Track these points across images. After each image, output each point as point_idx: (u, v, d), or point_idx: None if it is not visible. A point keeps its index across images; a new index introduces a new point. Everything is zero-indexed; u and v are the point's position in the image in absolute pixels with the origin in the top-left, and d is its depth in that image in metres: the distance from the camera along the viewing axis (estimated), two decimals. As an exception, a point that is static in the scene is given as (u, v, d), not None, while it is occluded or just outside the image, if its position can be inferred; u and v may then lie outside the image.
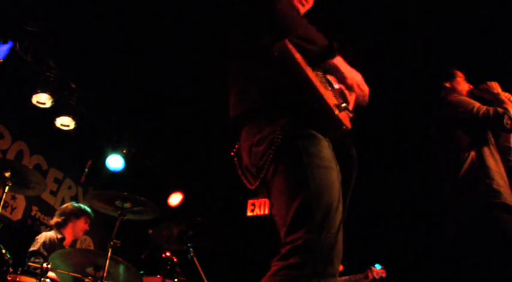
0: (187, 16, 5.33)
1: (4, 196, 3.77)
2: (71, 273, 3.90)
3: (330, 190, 1.74)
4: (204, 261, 4.44)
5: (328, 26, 2.03)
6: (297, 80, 1.81)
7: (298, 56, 1.81)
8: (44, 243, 4.49)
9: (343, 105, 1.88)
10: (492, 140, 3.32)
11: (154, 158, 7.35)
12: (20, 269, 3.70)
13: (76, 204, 4.96)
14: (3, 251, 3.52)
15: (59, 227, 4.80)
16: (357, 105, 2.02)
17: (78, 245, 5.86)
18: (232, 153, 2.07)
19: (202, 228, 4.55)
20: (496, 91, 3.40)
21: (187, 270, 4.57)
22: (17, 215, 5.64)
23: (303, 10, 2.22)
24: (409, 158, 6.55)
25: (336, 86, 1.94)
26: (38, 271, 3.69)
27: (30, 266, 4.11)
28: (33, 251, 4.44)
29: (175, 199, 7.08)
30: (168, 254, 4.53)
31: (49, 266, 3.63)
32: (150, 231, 4.47)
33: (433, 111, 3.59)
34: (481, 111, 3.22)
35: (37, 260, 4.31)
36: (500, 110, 3.20)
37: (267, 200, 2.12)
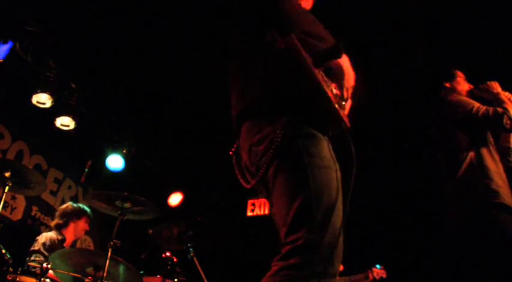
0: (187, 16, 5.33)
1: (4, 196, 3.77)
2: (71, 273, 3.90)
3: (330, 190, 1.74)
4: (204, 261, 4.44)
5: (328, 25, 2.02)
6: (301, 75, 1.80)
7: (304, 52, 1.81)
8: (44, 244, 4.49)
9: (343, 103, 1.88)
10: (491, 140, 3.32)
11: (154, 158, 7.35)
12: (20, 269, 3.70)
13: (75, 205, 4.96)
14: (3, 251, 3.52)
15: (59, 228, 4.79)
16: (357, 105, 2.02)
17: (78, 245, 5.86)
18: (230, 152, 2.07)
19: (202, 228, 4.55)
20: (496, 91, 3.40)
21: (187, 270, 4.57)
22: (17, 215, 5.64)
23: (308, 8, 2.22)
24: (409, 158, 6.55)
25: (333, 85, 1.94)
26: (38, 271, 3.69)
27: (30, 266, 4.12)
28: (33, 250, 4.44)
29: (175, 199, 7.08)
30: (168, 254, 4.53)
31: (49, 266, 3.63)
32: (150, 231, 4.47)
33: (433, 111, 3.59)
34: (481, 111, 3.22)
35: (37, 259, 4.31)
36: (499, 110, 3.20)
37: (267, 200, 2.10)
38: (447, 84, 3.59)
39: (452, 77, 3.62)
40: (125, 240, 3.91)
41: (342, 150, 1.86)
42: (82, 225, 4.90)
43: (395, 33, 5.36)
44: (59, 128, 5.90)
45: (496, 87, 3.43)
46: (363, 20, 5.15)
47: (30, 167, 5.29)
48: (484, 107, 3.25)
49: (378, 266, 5.38)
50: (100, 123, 6.54)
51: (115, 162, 6.43)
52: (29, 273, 3.74)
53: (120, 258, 3.85)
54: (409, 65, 5.64)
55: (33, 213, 5.88)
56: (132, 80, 6.15)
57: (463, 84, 3.59)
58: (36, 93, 5.49)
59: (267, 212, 7.77)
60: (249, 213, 8.05)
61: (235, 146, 2.05)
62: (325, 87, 1.82)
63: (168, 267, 4.48)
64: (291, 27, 1.87)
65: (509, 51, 5.07)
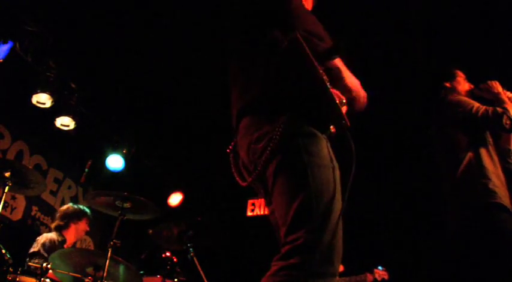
0: (187, 16, 5.33)
1: (4, 196, 3.77)
2: (71, 273, 3.90)
3: (330, 189, 1.73)
4: (204, 261, 4.44)
5: (329, 26, 2.03)
6: (305, 71, 1.80)
7: (307, 49, 1.81)
8: (44, 244, 4.48)
9: (344, 101, 1.89)
10: (491, 140, 3.32)
11: (154, 158, 7.35)
12: (20, 269, 3.70)
13: (76, 206, 4.96)
14: (3, 251, 3.52)
15: (60, 229, 4.79)
16: (353, 109, 2.01)
17: (78, 245, 5.86)
18: (228, 150, 2.06)
19: (202, 228, 4.55)
20: (496, 90, 3.40)
21: (187, 270, 4.57)
22: (17, 215, 5.64)
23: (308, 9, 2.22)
24: (409, 158, 6.55)
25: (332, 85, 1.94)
26: (38, 271, 3.69)
27: (30, 266, 4.11)
28: (33, 252, 4.43)
29: (175, 199, 7.09)
30: (168, 254, 4.53)
31: (49, 266, 3.63)
32: (150, 231, 4.47)
33: (433, 111, 3.59)
34: (480, 111, 3.23)
35: (36, 261, 4.31)
36: (499, 110, 3.20)
37: (263, 199, 2.10)
38: (447, 84, 3.59)
39: (452, 77, 3.62)
40: (124, 240, 3.91)
41: (342, 149, 1.86)
42: (83, 226, 4.90)
43: (395, 33, 5.35)
44: (59, 128, 5.90)
45: (497, 86, 3.42)
46: (363, 20, 5.15)
47: (30, 167, 5.28)
48: (484, 107, 3.25)
49: (379, 267, 5.36)
50: (100, 123, 6.54)
51: (115, 162, 6.43)
52: (29, 273, 3.74)
53: (120, 258, 3.85)
54: (409, 65, 5.64)
55: (33, 213, 5.88)
56: (132, 80, 6.15)
57: (463, 84, 3.59)
58: (36, 93, 5.49)
59: (267, 212, 7.76)
60: (249, 213, 8.05)
61: (232, 143, 2.05)
62: (328, 84, 1.82)
63: (168, 267, 4.48)
64: (295, 26, 1.88)
65: (509, 51, 5.07)
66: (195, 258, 4.37)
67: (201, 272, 4.36)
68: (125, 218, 4.03)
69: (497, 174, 3.16)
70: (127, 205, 3.99)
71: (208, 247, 4.86)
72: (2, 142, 5.61)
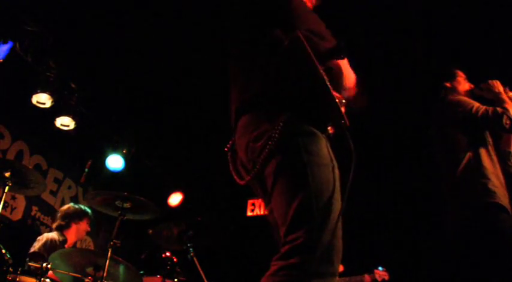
0: (187, 16, 5.33)
1: (4, 196, 3.77)
2: (71, 273, 3.90)
3: (330, 189, 1.73)
4: (204, 261, 4.44)
5: (329, 25, 2.02)
6: (306, 69, 1.80)
7: (309, 48, 1.80)
8: (44, 244, 4.47)
9: (343, 100, 1.89)
10: (490, 140, 3.32)
11: (154, 158, 7.35)
12: (20, 269, 3.69)
13: (77, 206, 4.95)
14: (3, 251, 3.52)
15: (61, 229, 4.78)
16: (352, 107, 2.01)
17: (78, 245, 5.86)
18: (226, 149, 2.06)
19: (202, 228, 4.54)
20: (497, 90, 3.39)
21: (187, 270, 4.57)
22: (17, 215, 5.64)
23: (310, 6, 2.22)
24: (409, 158, 6.55)
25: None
26: (39, 271, 3.68)
27: (30, 266, 4.11)
28: (34, 252, 4.42)
29: (175, 199, 7.08)
30: (168, 254, 4.53)
31: (49, 266, 3.63)
32: (150, 231, 4.47)
33: (433, 111, 3.59)
34: (480, 111, 3.22)
35: (37, 261, 4.30)
36: (499, 110, 3.20)
37: (261, 199, 2.09)
38: (448, 84, 3.58)
39: (452, 77, 3.62)
40: (124, 240, 3.91)
41: (341, 149, 1.86)
42: (84, 226, 4.89)
43: (395, 33, 5.35)
44: (59, 128, 5.90)
45: (498, 86, 3.42)
46: (363, 20, 5.15)
47: (30, 167, 5.28)
48: (484, 107, 3.24)
49: (380, 267, 5.35)
50: (100, 123, 6.54)
51: (115, 162, 6.43)
52: (29, 273, 3.73)
53: (120, 258, 3.85)
54: (409, 65, 5.64)
55: (33, 213, 5.88)
56: (132, 80, 6.15)
57: (463, 84, 3.59)
58: (36, 93, 5.49)
59: (266, 212, 7.76)
60: (249, 213, 8.05)
61: (230, 142, 2.04)
62: (328, 84, 1.82)
63: (168, 267, 4.47)
64: (297, 24, 1.88)
65: (510, 51, 5.07)
66: (195, 258, 4.37)
67: (201, 272, 4.36)
68: (125, 218, 4.03)
69: (496, 174, 3.16)
70: (127, 205, 3.99)
71: (208, 247, 4.86)
72: (2, 142, 5.61)
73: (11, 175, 3.81)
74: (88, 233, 5.47)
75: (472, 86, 3.57)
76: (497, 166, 3.23)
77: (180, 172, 7.48)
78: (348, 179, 1.78)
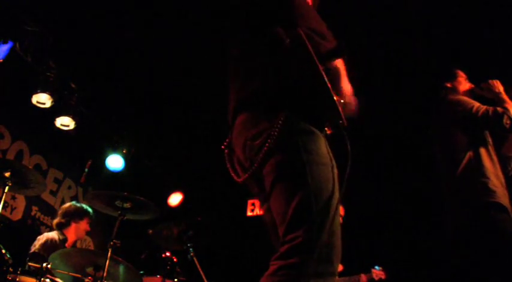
0: (187, 16, 5.33)
1: (4, 196, 3.76)
2: (70, 273, 3.90)
3: (329, 188, 1.73)
4: (204, 261, 4.44)
5: (328, 25, 2.02)
6: (307, 69, 1.79)
7: (310, 46, 1.80)
8: (45, 244, 4.47)
9: (341, 101, 1.88)
10: (490, 140, 3.32)
11: (154, 158, 7.35)
12: (20, 269, 3.69)
13: (78, 204, 4.94)
14: (3, 251, 3.51)
15: (61, 227, 4.78)
16: (346, 113, 2.01)
17: (78, 245, 5.86)
18: (222, 146, 2.05)
19: (202, 228, 4.54)
20: (497, 90, 3.39)
21: (187, 270, 4.57)
22: (17, 215, 5.64)
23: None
24: (409, 158, 6.55)
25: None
26: (39, 271, 3.68)
27: (30, 266, 4.11)
28: (34, 252, 4.42)
29: (175, 199, 7.08)
30: (168, 254, 4.53)
31: (49, 266, 3.63)
32: (150, 231, 4.47)
33: (433, 111, 3.59)
34: (481, 111, 3.22)
35: (36, 261, 4.30)
36: (500, 109, 3.20)
37: (257, 197, 2.09)
38: (448, 85, 3.58)
39: (453, 77, 3.62)
40: (124, 240, 3.91)
41: (338, 149, 1.86)
42: (83, 226, 4.88)
43: (395, 33, 5.35)
44: (59, 128, 5.90)
45: (498, 86, 3.42)
46: (363, 20, 5.15)
47: (30, 167, 5.28)
48: (484, 107, 3.24)
49: (376, 267, 5.35)
50: (100, 123, 6.54)
51: (115, 162, 6.43)
52: (29, 273, 3.73)
53: (120, 258, 3.85)
54: (409, 65, 5.64)
55: (33, 213, 5.88)
56: (132, 80, 6.15)
57: (464, 84, 3.59)
58: (36, 93, 5.49)
59: (265, 212, 7.74)
60: (249, 213, 8.04)
61: (227, 140, 2.04)
62: (328, 83, 1.82)
63: (168, 267, 4.47)
64: (299, 23, 1.87)
65: (510, 51, 5.07)
66: (195, 258, 4.37)
67: (201, 272, 4.36)
68: (125, 218, 4.03)
69: (496, 174, 3.16)
70: (127, 205, 3.99)
71: (208, 247, 4.86)
72: (2, 142, 5.61)
73: (11, 175, 3.81)
74: (88, 233, 5.47)
75: (473, 86, 3.57)
76: (497, 166, 3.22)
77: (180, 172, 7.48)
78: (344, 178, 1.78)
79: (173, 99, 6.42)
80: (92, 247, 6.60)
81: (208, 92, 5.92)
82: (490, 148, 3.27)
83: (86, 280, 3.89)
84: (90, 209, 4.89)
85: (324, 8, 2.27)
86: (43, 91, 5.48)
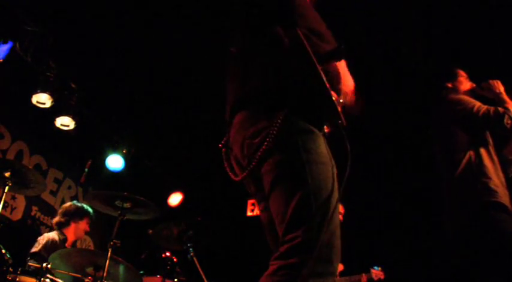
0: (187, 16, 5.33)
1: (4, 196, 3.77)
2: (70, 273, 3.90)
3: (329, 187, 1.72)
4: (204, 261, 4.44)
5: (328, 25, 2.02)
6: (306, 69, 1.79)
7: (308, 47, 1.80)
8: (45, 245, 4.46)
9: (341, 101, 1.88)
10: (491, 141, 3.31)
11: (154, 158, 7.35)
12: (20, 269, 3.69)
13: (79, 204, 4.94)
14: (3, 251, 3.51)
15: (60, 226, 4.78)
16: (348, 113, 2.01)
17: (78, 245, 5.86)
18: (220, 145, 2.05)
19: (202, 228, 4.54)
20: (498, 90, 3.39)
21: (187, 270, 4.57)
22: (17, 215, 5.64)
23: None
24: (409, 158, 6.55)
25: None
26: (39, 271, 3.68)
27: (30, 266, 4.11)
28: (34, 253, 4.42)
29: (175, 199, 7.08)
30: (168, 254, 4.53)
31: (49, 266, 3.63)
32: (150, 231, 4.47)
33: (433, 111, 3.59)
34: (481, 111, 3.22)
35: (37, 261, 4.30)
36: (500, 109, 3.19)
37: (254, 197, 2.08)
38: (449, 85, 3.57)
39: (454, 77, 3.61)
40: (124, 240, 3.91)
41: (337, 148, 1.86)
42: (83, 225, 4.88)
43: (395, 33, 5.35)
44: (59, 128, 5.90)
45: (499, 86, 3.41)
46: (363, 19, 5.15)
47: (30, 167, 5.27)
48: (485, 107, 3.23)
49: (376, 267, 5.35)
50: (100, 123, 6.54)
51: (115, 162, 6.43)
52: (29, 273, 3.73)
53: (120, 258, 3.85)
54: (409, 65, 5.64)
55: (33, 213, 5.88)
56: (132, 80, 6.15)
57: (465, 84, 3.58)
58: (36, 93, 5.49)
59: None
60: (249, 213, 8.03)
61: (225, 138, 2.03)
62: (326, 83, 1.82)
63: (168, 267, 4.48)
64: (299, 23, 1.87)
65: (510, 51, 5.06)
66: (195, 258, 4.37)
67: (201, 272, 4.36)
68: (125, 218, 4.03)
69: (497, 174, 3.16)
70: (127, 205, 3.99)
71: (208, 247, 4.86)
72: (2, 142, 5.61)
73: (11, 175, 3.81)
74: (88, 233, 5.47)
75: (474, 85, 3.56)
76: (498, 166, 3.22)
77: (180, 172, 7.48)
78: (343, 178, 1.77)
79: (173, 99, 6.42)
80: (92, 247, 6.60)
81: (208, 92, 5.92)
82: (491, 148, 3.27)
83: (86, 280, 3.89)
84: (90, 210, 4.88)
85: (324, 7, 2.27)
86: (43, 91, 5.48)
